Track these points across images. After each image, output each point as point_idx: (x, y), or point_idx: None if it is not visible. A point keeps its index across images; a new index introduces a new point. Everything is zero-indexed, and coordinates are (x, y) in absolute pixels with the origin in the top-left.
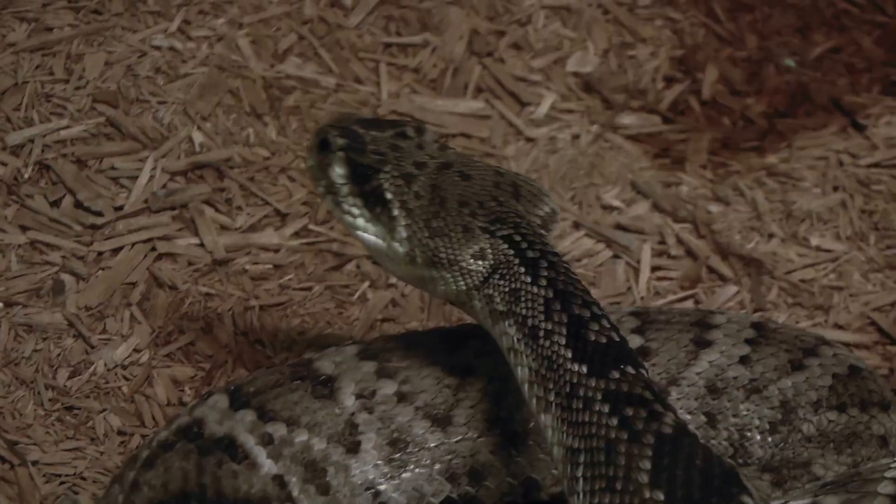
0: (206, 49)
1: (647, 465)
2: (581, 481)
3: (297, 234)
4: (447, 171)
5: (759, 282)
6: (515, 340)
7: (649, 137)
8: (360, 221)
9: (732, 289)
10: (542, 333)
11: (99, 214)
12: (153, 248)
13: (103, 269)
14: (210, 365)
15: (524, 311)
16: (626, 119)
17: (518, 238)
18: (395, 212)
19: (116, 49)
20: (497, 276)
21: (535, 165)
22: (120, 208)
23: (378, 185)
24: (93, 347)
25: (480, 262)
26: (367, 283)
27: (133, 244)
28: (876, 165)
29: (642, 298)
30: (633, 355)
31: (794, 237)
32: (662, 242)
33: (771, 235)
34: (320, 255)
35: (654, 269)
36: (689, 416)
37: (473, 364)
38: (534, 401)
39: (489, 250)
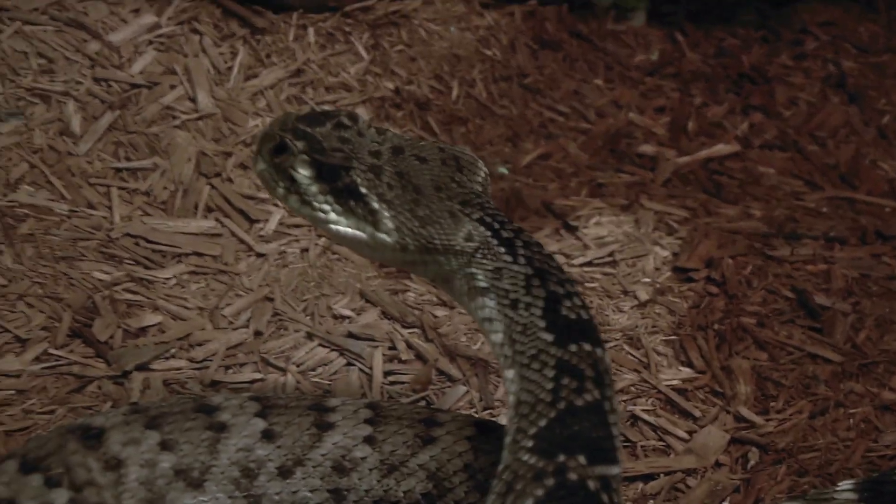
0: None
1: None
2: (513, 430)
3: (37, 359)
4: (403, 156)
5: (486, 381)
6: (495, 312)
7: None
8: (333, 216)
9: (462, 389)
10: (521, 305)
11: None
12: None
13: None
14: None
15: (507, 287)
16: None
17: (489, 219)
18: (375, 204)
19: None
20: (479, 256)
21: (267, 279)
22: None
23: (351, 182)
24: None
25: (469, 244)
26: (109, 403)
27: None
28: (589, 264)
29: None
30: (595, 334)
31: None
32: (393, 348)
33: None
34: (61, 378)
35: (387, 373)
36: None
37: None
38: (503, 359)
39: (474, 233)
